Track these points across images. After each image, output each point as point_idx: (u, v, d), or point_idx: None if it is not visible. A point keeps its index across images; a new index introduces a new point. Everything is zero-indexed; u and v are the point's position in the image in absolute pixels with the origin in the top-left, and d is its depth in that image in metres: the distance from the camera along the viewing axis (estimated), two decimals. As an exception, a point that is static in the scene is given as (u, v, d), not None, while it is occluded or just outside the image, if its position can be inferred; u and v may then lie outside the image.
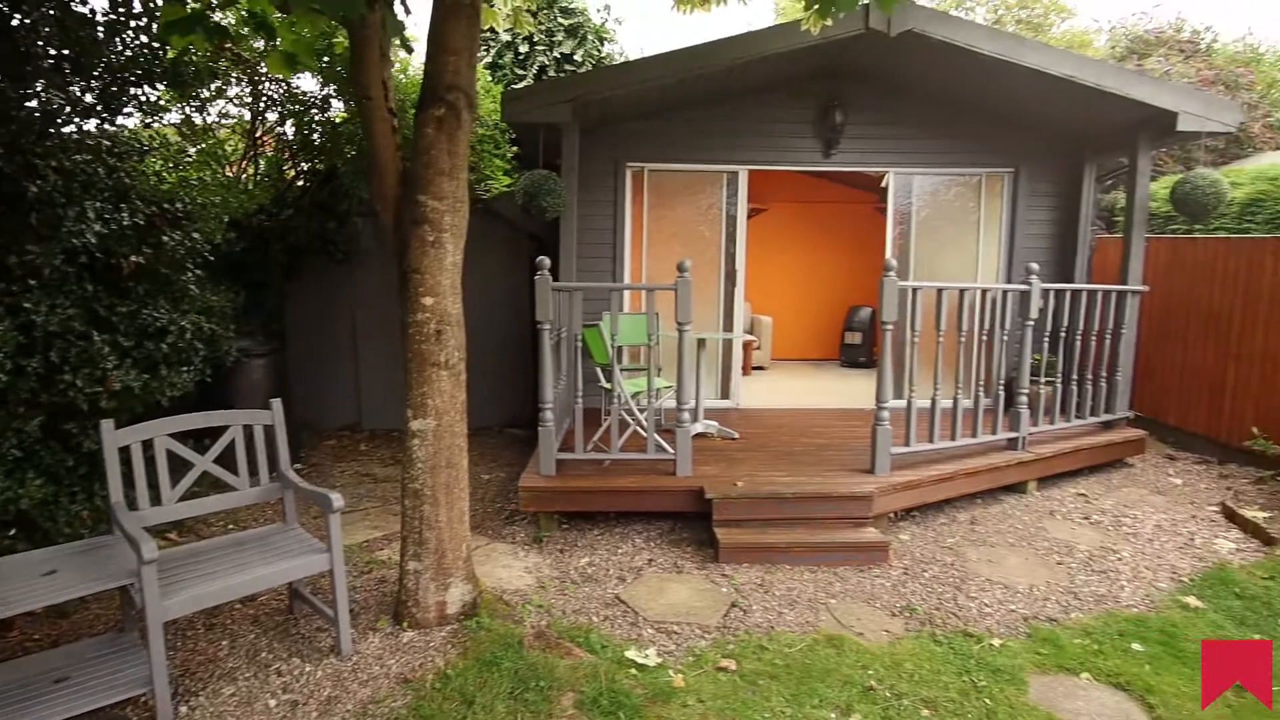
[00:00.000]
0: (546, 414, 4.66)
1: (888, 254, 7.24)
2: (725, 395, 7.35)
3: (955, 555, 4.38)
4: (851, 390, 8.56)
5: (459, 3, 3.14)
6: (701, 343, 5.88)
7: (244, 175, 6.86)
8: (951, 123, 7.07)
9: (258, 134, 6.94)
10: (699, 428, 5.88)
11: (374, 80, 3.21)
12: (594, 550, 4.44)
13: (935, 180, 7.27)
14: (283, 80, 6.39)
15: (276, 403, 3.50)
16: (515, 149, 6.97)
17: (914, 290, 4.83)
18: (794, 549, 4.22)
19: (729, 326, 7.28)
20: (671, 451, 4.77)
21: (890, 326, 4.66)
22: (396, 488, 5.41)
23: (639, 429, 5.29)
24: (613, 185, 6.99)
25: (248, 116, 6.79)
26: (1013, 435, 5.42)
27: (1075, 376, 5.84)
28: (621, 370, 6.90)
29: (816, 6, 3.41)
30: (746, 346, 9.93)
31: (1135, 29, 14.51)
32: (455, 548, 3.46)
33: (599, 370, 5.49)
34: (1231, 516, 4.93)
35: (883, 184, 7.79)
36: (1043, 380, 5.97)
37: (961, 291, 4.99)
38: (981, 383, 5.26)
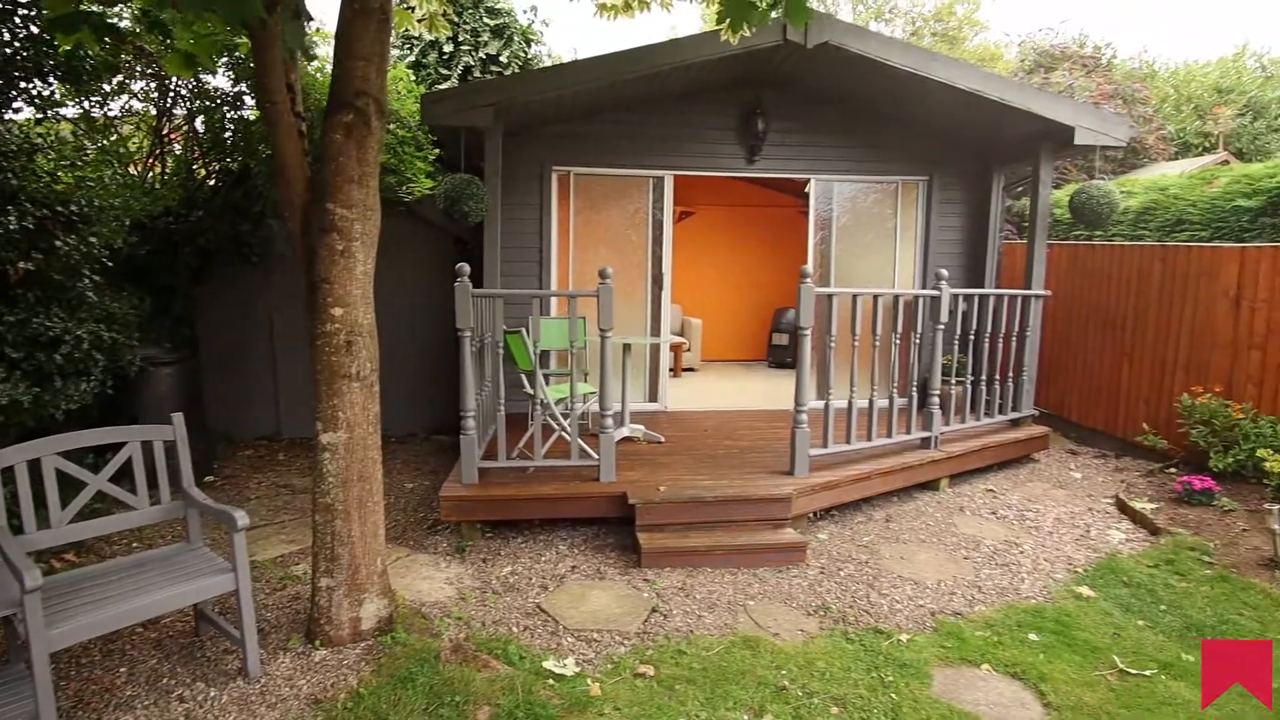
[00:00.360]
0: (468, 422, 4.60)
1: (809, 259, 7.42)
2: (653, 398, 7.41)
3: (870, 553, 4.53)
4: (777, 391, 8.73)
5: (367, 8, 3.07)
6: (627, 348, 5.92)
7: (150, 174, 6.56)
8: (869, 132, 7.30)
9: (165, 131, 6.63)
10: (625, 432, 5.91)
11: (278, 84, 3.12)
12: (517, 558, 4.42)
13: (854, 187, 7.49)
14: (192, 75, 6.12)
15: (178, 417, 3.36)
16: (438, 150, 6.86)
17: (830, 296, 4.96)
18: (715, 552, 4.29)
19: (656, 330, 7.34)
20: (596, 457, 4.78)
21: (807, 332, 4.78)
22: (314, 499, 5.28)
23: (564, 435, 5.28)
24: (539, 189, 6.96)
25: (154, 112, 6.49)
26: (926, 434, 5.64)
27: (984, 377, 6.11)
28: (548, 375, 6.89)
29: (729, 20, 3.47)
30: (676, 348, 10.03)
31: (1042, 44, 15.27)
32: (370, 562, 3.39)
33: (523, 376, 5.46)
34: (1123, 508, 5.24)
35: (805, 190, 7.99)
36: (954, 381, 6.23)
37: (876, 297, 5.16)
38: (895, 385, 5.44)
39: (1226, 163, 12.53)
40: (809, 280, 4.72)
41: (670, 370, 10.12)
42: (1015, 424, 6.49)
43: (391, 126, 6.47)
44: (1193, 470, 5.82)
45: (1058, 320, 7.63)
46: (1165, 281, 6.33)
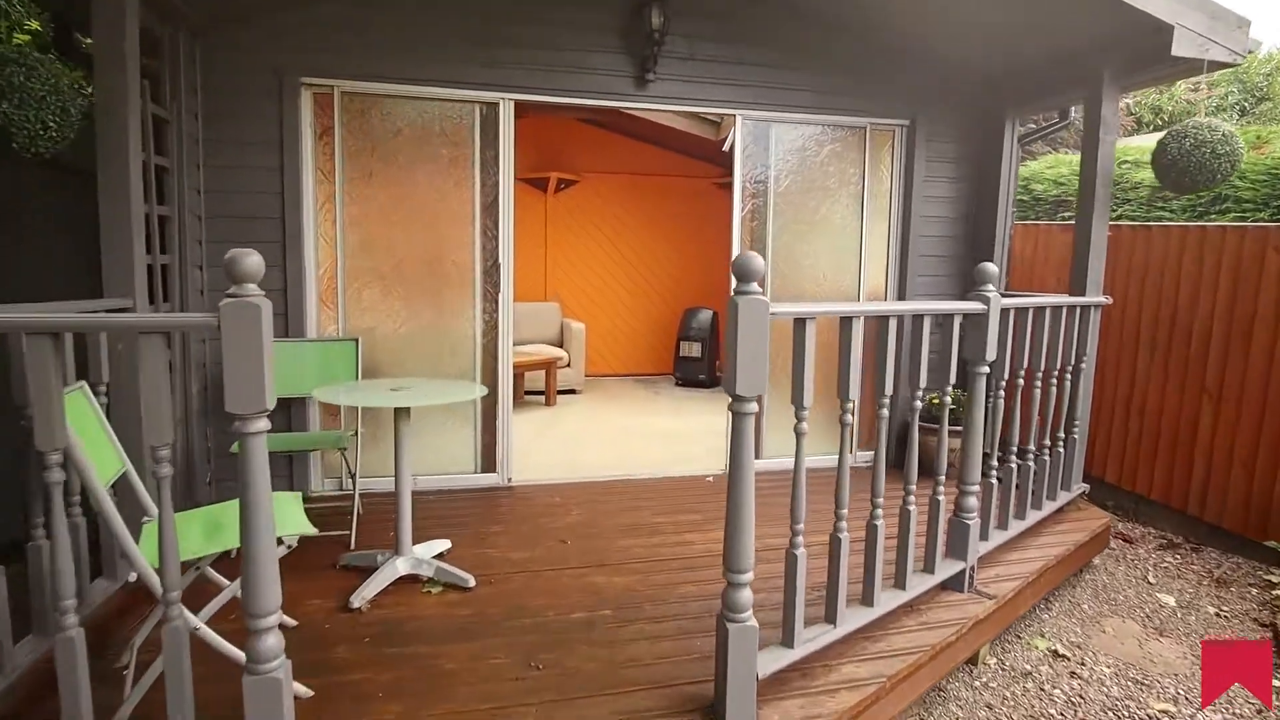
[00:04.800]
0: None
1: (734, 242, 4.78)
2: (488, 465, 4.58)
3: None
4: (688, 429, 6.10)
5: None
6: (404, 414, 3.08)
7: None
8: (825, 49, 4.71)
9: None
10: (401, 569, 3.10)
11: None
12: None
13: (801, 132, 4.88)
14: None
15: None
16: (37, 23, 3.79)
17: (804, 319, 2.26)
18: None
19: (490, 352, 4.52)
20: None
21: (751, 403, 2.07)
22: None
23: (211, 642, 2.42)
24: (277, 115, 4.01)
25: None
26: (958, 567, 3.07)
27: (1024, 442, 3.62)
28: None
29: None
30: (549, 366, 7.27)
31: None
32: None
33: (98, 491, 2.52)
34: (1325, 713, 2.86)
35: (724, 143, 5.41)
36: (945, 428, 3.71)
37: (888, 318, 2.53)
38: (912, 489, 2.82)
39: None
40: (756, 290, 2.02)
41: (542, 396, 7.37)
42: (1059, 510, 4.06)
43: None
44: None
45: (1084, 335, 5.28)
46: (1289, 283, 4.03)
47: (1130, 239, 5.05)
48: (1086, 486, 4.27)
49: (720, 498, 4.45)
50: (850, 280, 5.04)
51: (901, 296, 5.03)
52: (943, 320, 2.89)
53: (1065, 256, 5.32)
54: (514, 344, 8.11)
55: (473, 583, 3.08)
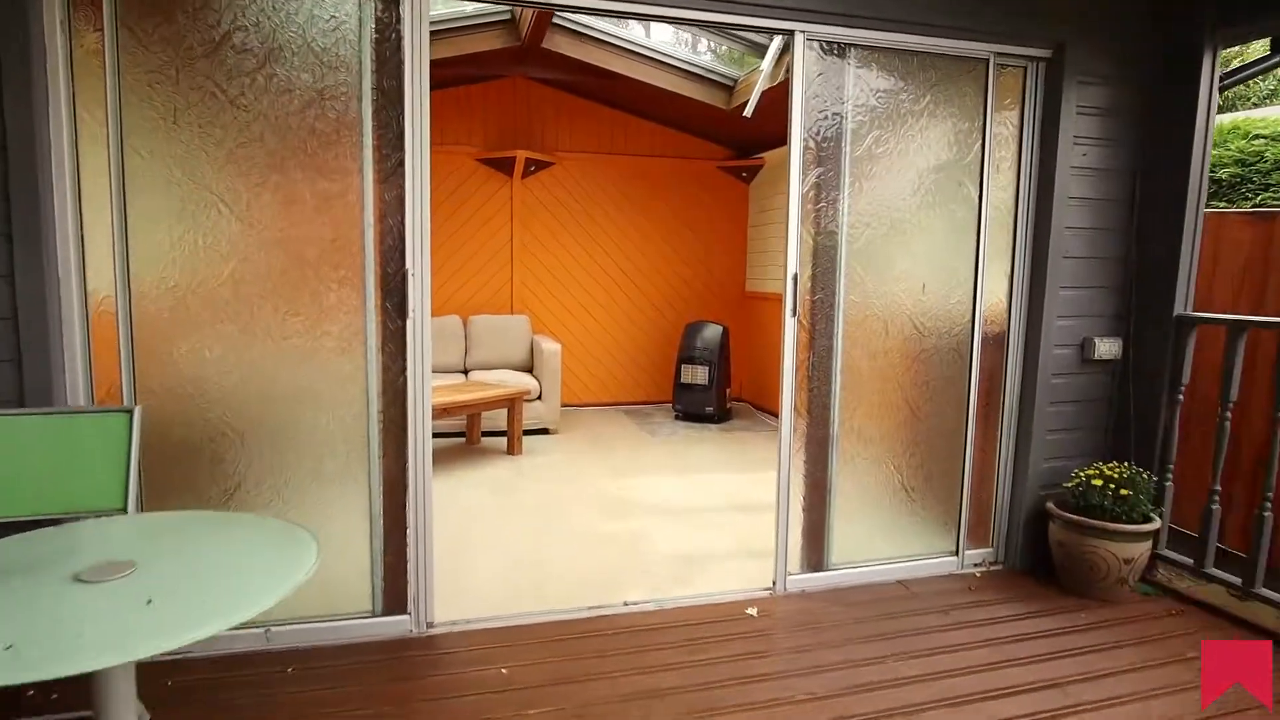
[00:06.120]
0: None
1: (791, 235, 3.03)
2: (394, 602, 2.79)
3: None
4: (703, 495, 4.37)
5: None
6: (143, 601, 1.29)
7: None
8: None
9: None
10: None
11: None
12: None
13: (890, 68, 3.14)
14: None
15: None
16: None
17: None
18: None
19: (395, 417, 2.73)
20: None
21: None
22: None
23: None
24: (-11, 4, 2.21)
25: None
26: None
27: None
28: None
29: None
30: (514, 402, 5.51)
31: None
32: None
33: None
34: None
35: (744, 108, 3.79)
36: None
37: None
38: None
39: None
40: None
41: (504, 438, 5.61)
42: None
43: None
44: None
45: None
46: None
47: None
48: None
49: (786, 660, 2.70)
50: (963, 293, 3.31)
51: (1035, 315, 3.32)
52: None
53: (1246, 262, 3.67)
54: (469, 370, 6.33)
55: None
